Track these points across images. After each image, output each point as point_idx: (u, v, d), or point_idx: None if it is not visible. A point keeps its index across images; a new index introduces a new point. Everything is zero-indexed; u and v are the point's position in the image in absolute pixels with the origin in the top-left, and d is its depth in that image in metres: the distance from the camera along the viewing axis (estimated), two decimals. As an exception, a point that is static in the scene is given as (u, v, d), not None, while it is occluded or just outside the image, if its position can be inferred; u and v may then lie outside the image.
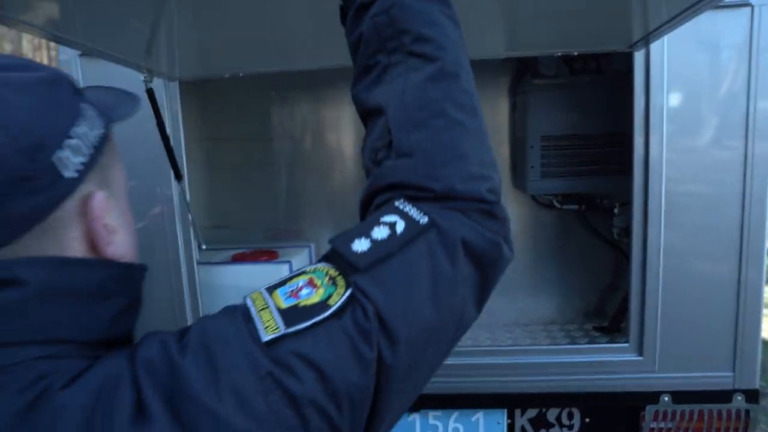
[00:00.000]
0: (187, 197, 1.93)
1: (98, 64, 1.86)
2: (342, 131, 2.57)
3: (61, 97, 0.49)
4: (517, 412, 1.92)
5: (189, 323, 1.95)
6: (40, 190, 0.46)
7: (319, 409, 0.47)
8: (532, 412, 1.93)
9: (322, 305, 0.49)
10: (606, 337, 2.08)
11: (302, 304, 0.50)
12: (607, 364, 1.84)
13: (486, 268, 0.55)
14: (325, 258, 0.56)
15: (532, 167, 2.10)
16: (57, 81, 0.50)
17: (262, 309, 0.49)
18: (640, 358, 1.80)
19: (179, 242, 1.95)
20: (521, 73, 2.26)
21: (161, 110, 1.81)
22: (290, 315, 0.49)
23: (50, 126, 0.47)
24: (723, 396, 1.80)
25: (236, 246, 2.50)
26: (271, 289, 0.52)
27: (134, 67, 1.57)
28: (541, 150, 2.07)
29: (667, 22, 1.29)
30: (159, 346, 0.47)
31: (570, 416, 1.93)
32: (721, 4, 1.60)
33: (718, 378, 1.79)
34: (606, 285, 2.35)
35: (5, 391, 0.43)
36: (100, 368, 0.45)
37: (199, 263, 2.04)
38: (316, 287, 0.51)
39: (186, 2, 1.25)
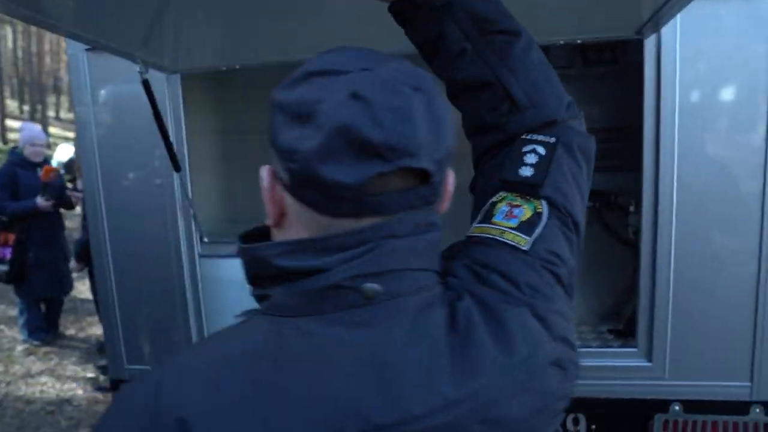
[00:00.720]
0: (189, 189, 1.93)
1: (105, 58, 1.89)
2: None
3: None
4: (519, 415, 1.85)
5: (190, 315, 1.99)
6: (447, 166, 0.61)
7: (567, 280, 0.67)
8: (534, 417, 1.85)
9: (537, 215, 0.68)
10: (619, 341, 1.99)
11: (523, 219, 0.68)
12: (614, 369, 1.76)
13: (589, 159, 0.77)
14: (499, 189, 0.72)
15: (542, 162, 2.01)
16: None
17: (502, 233, 0.67)
18: (649, 363, 1.71)
19: (181, 235, 1.95)
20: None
21: (164, 102, 1.83)
22: (524, 228, 0.67)
23: None
24: (739, 407, 1.69)
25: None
26: (489, 222, 0.69)
27: (130, 57, 1.57)
28: (551, 144, 1.99)
29: (667, 2, 1.20)
30: (465, 270, 0.63)
31: (576, 422, 1.85)
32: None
33: (734, 388, 1.68)
34: (623, 287, 2.24)
35: (438, 302, 0.59)
36: (456, 285, 0.62)
37: (202, 256, 2.04)
38: (520, 206, 0.69)
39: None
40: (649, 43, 1.58)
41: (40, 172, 4.28)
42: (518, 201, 0.70)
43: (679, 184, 1.61)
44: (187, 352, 0.62)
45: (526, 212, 0.69)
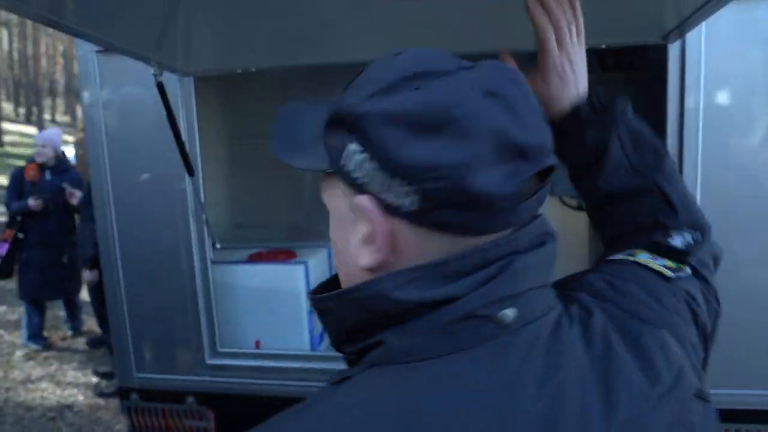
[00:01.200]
0: (201, 194, 1.90)
1: (115, 60, 1.86)
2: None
3: None
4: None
5: (202, 321, 1.95)
6: None
7: (702, 327, 0.65)
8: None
9: (680, 268, 0.68)
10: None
11: (667, 265, 0.68)
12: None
13: (717, 267, 0.78)
14: (642, 247, 0.73)
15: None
16: None
17: (646, 262, 0.67)
18: (671, 372, 1.68)
19: (193, 240, 1.92)
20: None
21: (177, 105, 1.80)
22: (669, 268, 0.67)
23: None
24: (761, 416, 1.67)
25: (256, 245, 2.47)
26: (631, 256, 0.70)
27: (144, 59, 1.54)
28: (568, 150, 1.97)
29: (702, 6, 1.18)
30: (603, 284, 0.62)
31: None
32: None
33: (755, 396, 1.66)
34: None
35: (566, 320, 0.53)
36: (583, 300, 0.58)
37: (214, 262, 2.01)
38: (663, 259, 0.69)
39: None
40: (674, 48, 1.57)
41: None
42: (659, 259, 0.70)
43: (703, 189, 1.59)
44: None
45: (669, 263, 0.69)
